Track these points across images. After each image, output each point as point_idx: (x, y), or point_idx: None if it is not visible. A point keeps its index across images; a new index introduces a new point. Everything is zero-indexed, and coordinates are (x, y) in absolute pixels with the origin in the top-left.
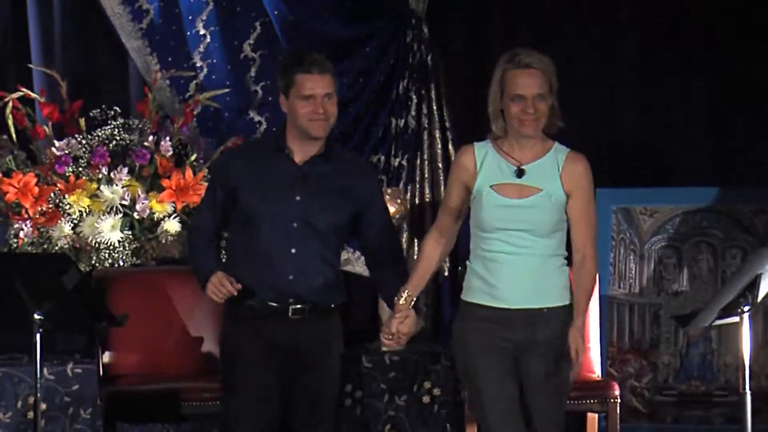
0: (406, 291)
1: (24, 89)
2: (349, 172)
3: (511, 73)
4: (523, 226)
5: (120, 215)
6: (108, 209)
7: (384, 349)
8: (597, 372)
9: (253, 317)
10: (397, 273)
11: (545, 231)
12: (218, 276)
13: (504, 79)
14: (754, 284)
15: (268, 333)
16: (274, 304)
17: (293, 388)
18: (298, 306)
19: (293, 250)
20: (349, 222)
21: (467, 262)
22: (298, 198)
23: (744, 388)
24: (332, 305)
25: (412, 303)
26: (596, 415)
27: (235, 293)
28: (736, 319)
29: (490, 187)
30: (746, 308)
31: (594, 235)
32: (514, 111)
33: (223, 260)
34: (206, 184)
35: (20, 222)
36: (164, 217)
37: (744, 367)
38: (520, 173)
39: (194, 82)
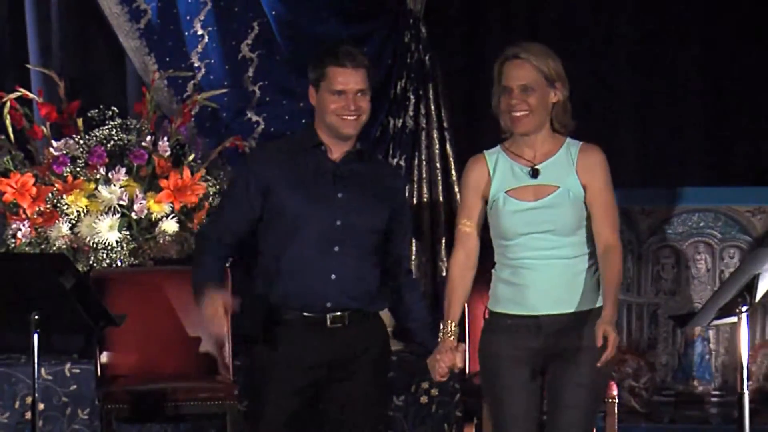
0: (453, 323)
1: (22, 89)
2: (384, 173)
3: (502, 65)
4: (545, 227)
5: (118, 215)
6: (106, 209)
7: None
8: None
9: (286, 336)
10: (417, 291)
11: (568, 229)
12: (218, 298)
13: (498, 73)
14: (751, 284)
15: (303, 351)
16: (309, 314)
17: (332, 402)
18: (338, 314)
19: (336, 248)
20: (386, 227)
21: (493, 271)
22: (340, 195)
23: (742, 388)
24: (374, 312)
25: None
26: None
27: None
28: (734, 319)
29: (506, 192)
30: (744, 308)
31: (616, 224)
32: (503, 105)
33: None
34: (203, 184)
35: (18, 222)
36: (162, 217)
37: (742, 367)
38: (534, 173)
39: (192, 82)
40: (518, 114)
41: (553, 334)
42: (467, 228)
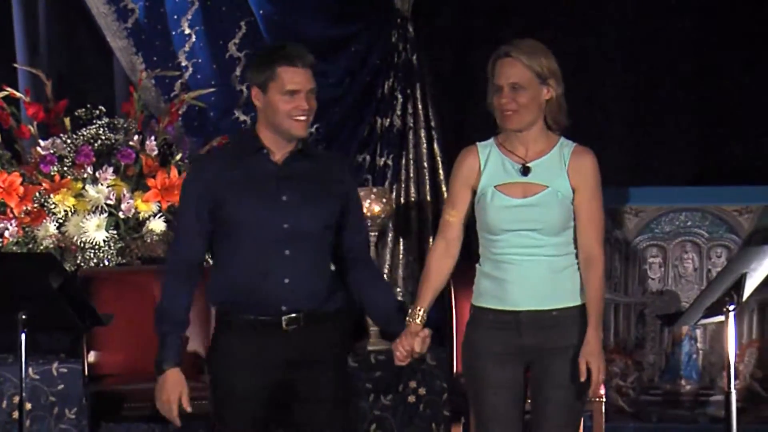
0: (422, 309)
1: (9, 89)
2: (328, 166)
3: (495, 63)
4: (531, 225)
5: (105, 215)
6: (93, 209)
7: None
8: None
9: (243, 337)
10: (379, 279)
11: (554, 229)
12: (174, 392)
13: (491, 71)
14: (739, 283)
15: (260, 354)
16: (266, 317)
17: (294, 405)
18: (293, 315)
19: (287, 252)
20: (337, 220)
21: (477, 266)
22: (284, 198)
23: (729, 388)
24: (329, 311)
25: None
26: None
27: (178, 423)
28: (722, 318)
29: (495, 187)
30: (731, 307)
31: (600, 233)
32: (495, 103)
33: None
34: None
35: (5, 221)
36: (149, 216)
37: (729, 366)
38: (525, 171)
39: (179, 81)
40: (508, 112)
41: (534, 330)
42: (451, 218)
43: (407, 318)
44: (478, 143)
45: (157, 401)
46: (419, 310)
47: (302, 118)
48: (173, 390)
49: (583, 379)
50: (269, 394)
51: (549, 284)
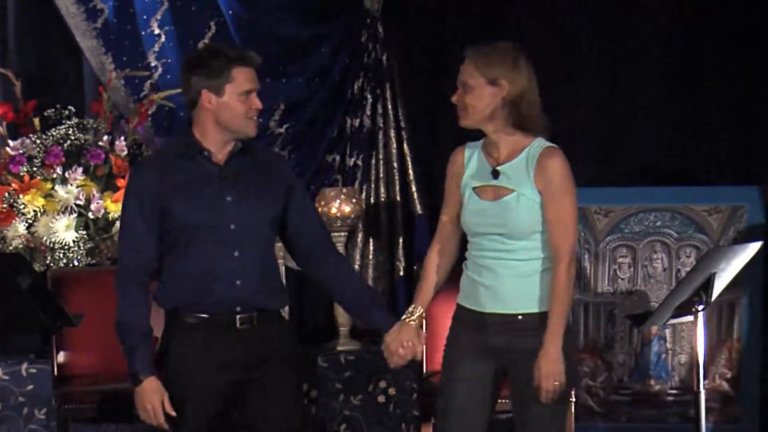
0: (417, 308)
1: None
2: (268, 161)
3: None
4: (498, 229)
5: (75, 215)
6: (63, 209)
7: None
8: None
9: (197, 337)
10: (347, 268)
11: (521, 233)
12: (156, 399)
13: None
14: (708, 283)
15: (215, 352)
16: (219, 317)
17: (251, 402)
18: (246, 315)
19: (236, 253)
20: (283, 214)
21: (464, 264)
22: (229, 199)
23: (698, 387)
24: (278, 309)
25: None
26: None
27: (167, 427)
28: (691, 318)
29: (473, 189)
30: (700, 307)
31: (567, 236)
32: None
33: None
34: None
35: None
36: (119, 216)
37: (698, 366)
38: (495, 174)
39: (149, 81)
40: (458, 111)
41: (501, 333)
42: (444, 217)
43: (404, 317)
44: (468, 143)
45: (141, 410)
46: (417, 309)
47: (255, 117)
48: (154, 397)
49: (536, 384)
50: (224, 393)
51: (516, 288)
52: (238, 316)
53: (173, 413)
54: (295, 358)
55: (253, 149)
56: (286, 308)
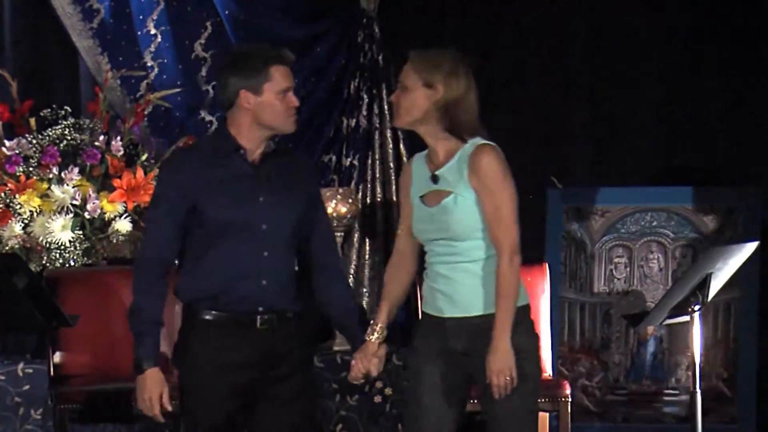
0: (379, 326)
1: None
2: (297, 165)
3: None
4: (443, 233)
5: (71, 215)
6: (59, 209)
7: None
8: (548, 371)
9: (214, 334)
10: (341, 283)
11: (463, 234)
12: (155, 390)
13: None
14: (704, 283)
15: (233, 351)
16: (240, 316)
17: (265, 402)
18: (266, 316)
19: (266, 254)
20: (304, 223)
21: (424, 273)
22: (261, 199)
23: (694, 387)
24: (297, 311)
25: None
26: (547, 415)
27: (162, 419)
28: (687, 318)
29: (420, 198)
30: (697, 307)
31: (507, 231)
32: None
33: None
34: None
35: None
36: (115, 217)
37: (695, 366)
38: (434, 179)
39: (145, 81)
40: (393, 112)
41: (460, 337)
42: (399, 230)
43: (366, 335)
44: (416, 154)
45: (138, 400)
46: (377, 327)
47: (296, 114)
48: (154, 389)
49: (487, 381)
50: (239, 392)
51: (471, 291)
52: (258, 317)
53: (170, 408)
54: (309, 362)
55: (283, 151)
56: None
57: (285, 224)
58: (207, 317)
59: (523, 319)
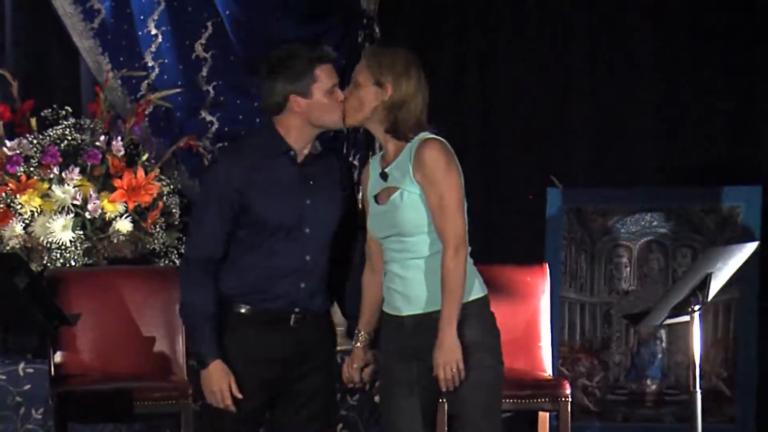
0: (362, 332)
1: None
2: (340, 167)
3: None
4: (392, 230)
5: (71, 215)
6: (59, 209)
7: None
8: (548, 371)
9: (248, 329)
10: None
11: (412, 230)
12: (223, 382)
13: None
14: (704, 283)
15: (266, 346)
16: (276, 313)
17: (286, 398)
18: (300, 315)
19: (308, 257)
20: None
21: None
22: (308, 202)
23: (694, 387)
24: (326, 310)
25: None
26: (547, 414)
27: (233, 409)
28: (687, 318)
29: (373, 197)
30: (697, 307)
31: (452, 223)
32: None
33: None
34: (157, 184)
35: None
36: (116, 216)
37: (694, 366)
38: (384, 176)
39: (146, 81)
40: (344, 109)
41: (419, 334)
42: (368, 234)
43: (353, 341)
44: (376, 154)
45: (208, 393)
46: (360, 333)
47: (342, 108)
48: (222, 381)
49: (434, 374)
50: (266, 387)
51: (424, 288)
52: (293, 315)
53: (240, 396)
54: (333, 359)
55: (328, 152)
56: None
57: (327, 227)
58: (242, 311)
59: (479, 311)
